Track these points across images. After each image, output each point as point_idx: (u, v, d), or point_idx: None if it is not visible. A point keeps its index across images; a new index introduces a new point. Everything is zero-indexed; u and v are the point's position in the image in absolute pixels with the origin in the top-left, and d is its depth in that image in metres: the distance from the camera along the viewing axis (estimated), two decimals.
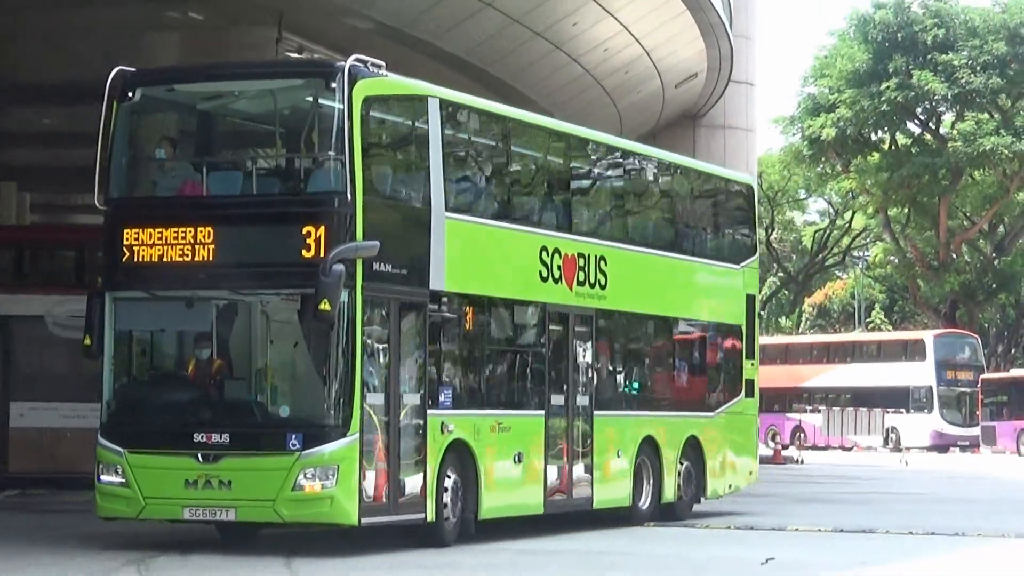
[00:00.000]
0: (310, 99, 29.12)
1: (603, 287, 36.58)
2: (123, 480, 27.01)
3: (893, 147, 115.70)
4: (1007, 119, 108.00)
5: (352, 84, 26.87)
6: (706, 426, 41.61)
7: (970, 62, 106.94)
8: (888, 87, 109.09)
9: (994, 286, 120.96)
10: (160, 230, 27.51)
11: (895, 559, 31.87)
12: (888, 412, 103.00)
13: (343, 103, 26.66)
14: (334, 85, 27.15)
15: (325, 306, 24.92)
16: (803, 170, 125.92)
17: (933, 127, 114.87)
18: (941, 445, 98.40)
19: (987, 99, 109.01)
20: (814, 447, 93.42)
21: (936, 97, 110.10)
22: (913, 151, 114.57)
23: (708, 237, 45.34)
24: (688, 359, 43.63)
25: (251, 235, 28.64)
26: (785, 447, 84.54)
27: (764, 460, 75.46)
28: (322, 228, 26.69)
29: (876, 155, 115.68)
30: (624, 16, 54.60)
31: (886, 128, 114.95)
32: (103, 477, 27.47)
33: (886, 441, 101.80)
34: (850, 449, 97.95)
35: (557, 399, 34.30)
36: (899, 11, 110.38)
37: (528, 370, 34.85)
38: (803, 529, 38.24)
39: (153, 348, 29.90)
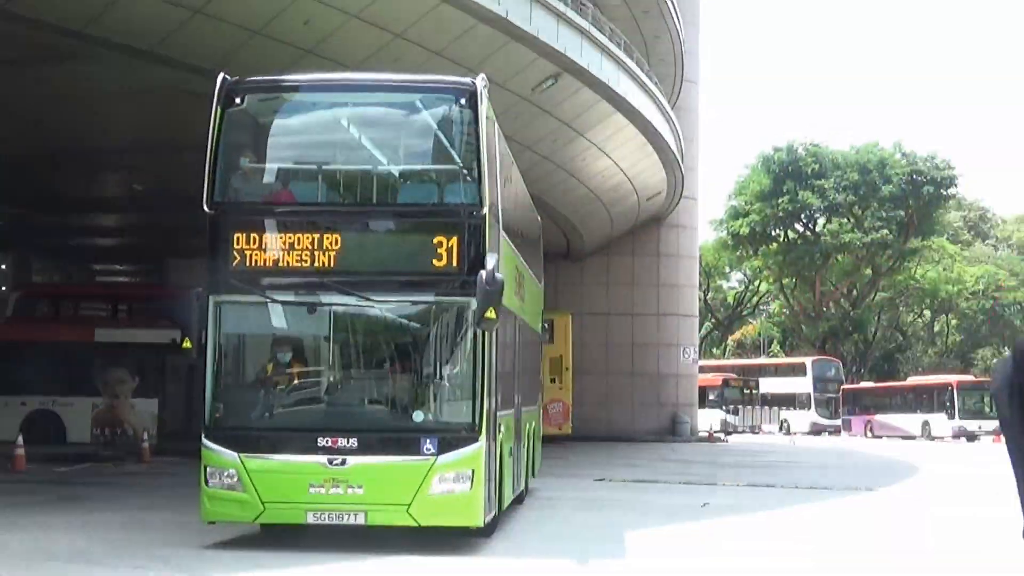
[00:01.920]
0: (439, 114, 21.54)
1: (522, 299, 28.46)
2: (238, 484, 19.22)
3: (786, 240, 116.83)
4: (859, 222, 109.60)
5: (482, 101, 20.40)
6: (536, 417, 34.04)
7: (835, 185, 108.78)
8: (782, 201, 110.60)
9: (850, 329, 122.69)
10: (280, 236, 19.99)
11: (789, 504, 32.65)
12: (782, 409, 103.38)
13: (475, 120, 20.26)
14: (464, 102, 20.56)
15: (491, 314, 19.11)
16: (728, 254, 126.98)
17: (811, 227, 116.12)
18: (816, 431, 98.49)
19: (846, 209, 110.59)
20: (734, 431, 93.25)
21: (813, 208, 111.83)
22: (798, 242, 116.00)
23: None
24: (535, 362, 35.19)
25: (381, 243, 21.13)
26: (716, 431, 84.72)
27: (703, 439, 76.08)
28: (454, 239, 19.90)
29: (775, 245, 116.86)
30: (615, 155, 55.02)
31: (781, 228, 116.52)
32: (212, 481, 19.59)
33: (781, 428, 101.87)
34: (757, 433, 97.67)
35: (517, 398, 27.66)
36: (790, 152, 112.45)
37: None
38: (728, 484, 38.35)
39: (268, 353, 20.98)
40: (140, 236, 64.84)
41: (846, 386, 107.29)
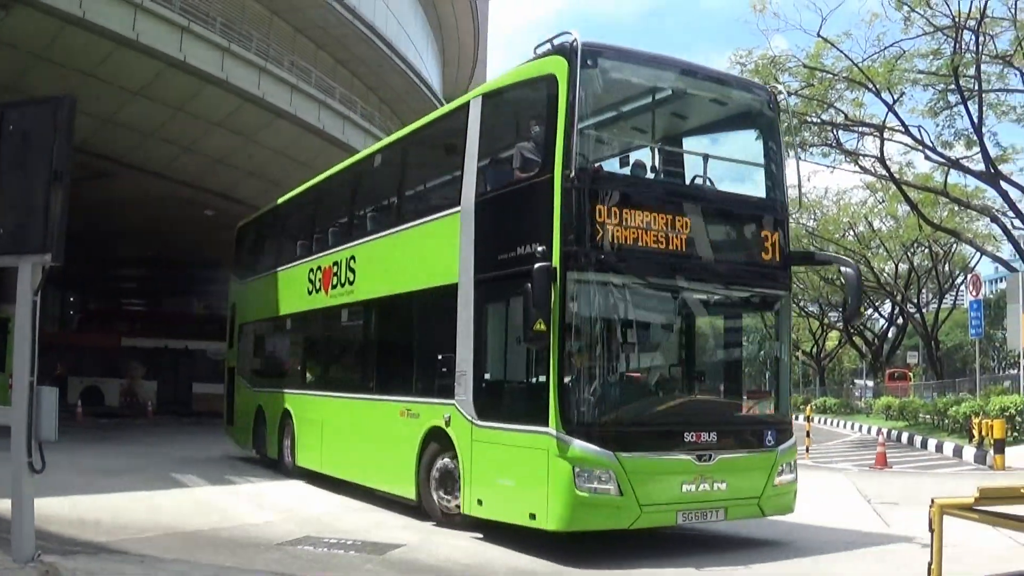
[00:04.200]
0: (755, 114, 13.80)
1: None
2: (614, 487, 11.23)
3: None
4: None
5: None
6: None
7: None
8: None
9: None
10: (644, 213, 11.91)
11: None
12: None
13: (776, 124, 13.87)
14: (772, 105, 13.80)
15: (862, 310, 12.36)
16: None
17: None
18: None
19: None
20: None
21: None
22: None
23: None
24: None
25: (726, 231, 13.14)
26: None
27: None
28: (777, 234, 13.15)
29: None
30: None
31: None
32: (584, 484, 11.13)
33: None
34: None
35: None
36: None
37: None
38: None
39: (629, 339, 12.39)
40: (147, 282, 65.67)
41: None
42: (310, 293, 18.95)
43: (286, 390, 20.34)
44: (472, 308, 12.56)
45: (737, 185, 13.82)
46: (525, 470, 11.57)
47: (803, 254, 14.67)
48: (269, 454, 21.06)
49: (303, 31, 38.83)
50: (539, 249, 11.39)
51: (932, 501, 8.20)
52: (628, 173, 12.89)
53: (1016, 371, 38.41)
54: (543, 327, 10.97)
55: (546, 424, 11.15)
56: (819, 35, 31.87)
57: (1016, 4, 29.67)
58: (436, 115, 15.45)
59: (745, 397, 13.61)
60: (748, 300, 13.29)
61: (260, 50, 31.71)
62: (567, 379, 11.18)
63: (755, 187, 13.66)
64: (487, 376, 12.59)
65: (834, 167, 36.63)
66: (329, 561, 11.17)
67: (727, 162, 14.04)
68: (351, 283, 17.04)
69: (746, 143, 14.19)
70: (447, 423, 13.07)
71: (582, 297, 11.38)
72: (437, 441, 13.50)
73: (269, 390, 21.40)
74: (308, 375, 19.77)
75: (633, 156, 13.56)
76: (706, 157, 13.56)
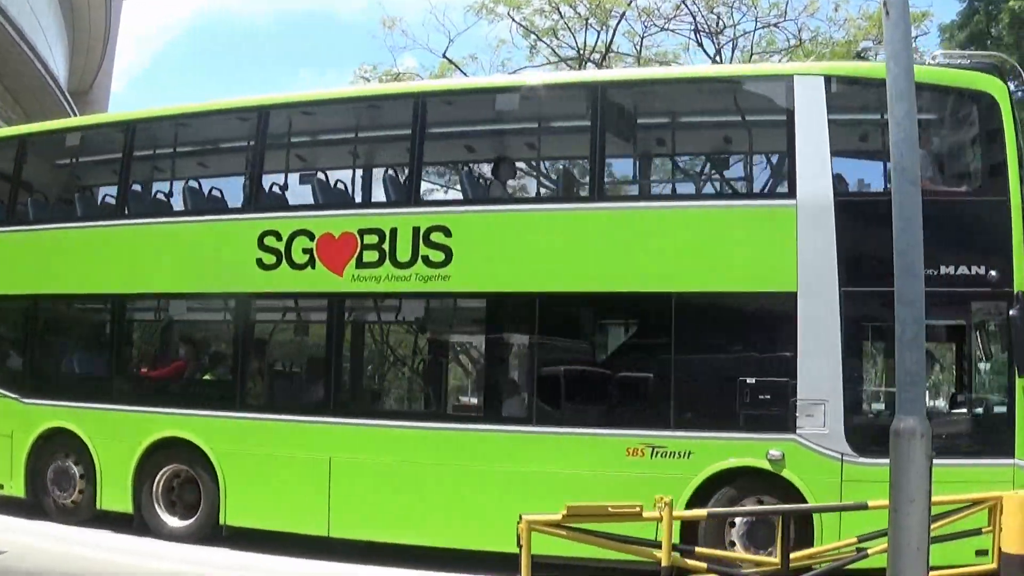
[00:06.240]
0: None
1: None
2: None
3: None
4: None
5: None
6: None
7: None
8: None
9: None
10: None
11: None
12: None
13: None
14: None
15: None
16: None
17: None
18: None
19: None
20: None
21: None
22: None
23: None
24: None
25: None
26: None
27: None
28: None
29: None
30: None
31: None
32: None
33: None
34: None
35: None
36: None
37: None
38: None
39: None
40: None
41: None
42: (268, 268, 12.84)
43: (178, 411, 13.24)
44: (839, 325, 10.52)
45: None
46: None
47: None
48: (100, 504, 13.63)
49: None
50: (991, 273, 10.21)
51: (520, 517, 8.16)
52: None
53: None
54: None
55: (1011, 455, 10.05)
56: (445, 56, 31.35)
57: (642, 42, 30.89)
58: (707, 74, 12.95)
59: None
60: None
61: None
62: None
63: None
64: (875, 405, 11.16)
65: None
66: None
67: None
68: (435, 265, 11.99)
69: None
70: (776, 462, 10.56)
71: None
72: (733, 485, 10.77)
73: (100, 407, 13.73)
74: (277, 392, 13.71)
75: None
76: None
